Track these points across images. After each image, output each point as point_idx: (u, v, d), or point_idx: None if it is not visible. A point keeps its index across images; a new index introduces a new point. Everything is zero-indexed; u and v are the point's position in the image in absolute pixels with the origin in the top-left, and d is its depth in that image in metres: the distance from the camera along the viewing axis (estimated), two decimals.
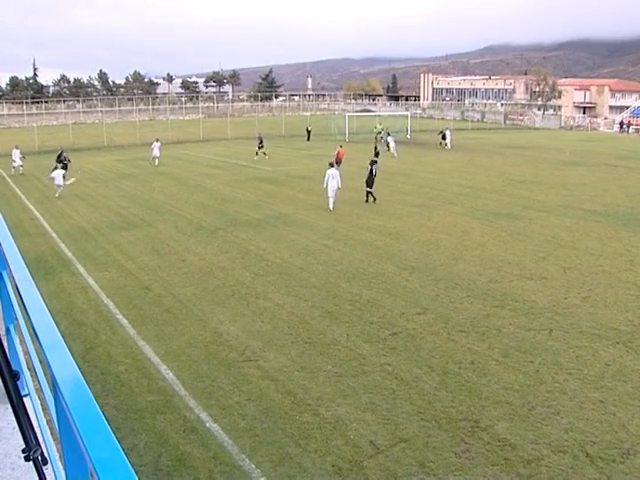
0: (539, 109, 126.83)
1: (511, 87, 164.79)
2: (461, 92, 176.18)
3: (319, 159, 51.43)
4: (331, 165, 30.51)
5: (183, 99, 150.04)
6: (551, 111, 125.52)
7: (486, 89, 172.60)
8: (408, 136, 71.70)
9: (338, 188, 29.56)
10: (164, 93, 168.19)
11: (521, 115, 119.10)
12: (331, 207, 29.68)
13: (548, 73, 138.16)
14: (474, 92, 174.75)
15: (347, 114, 78.30)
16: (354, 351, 13.80)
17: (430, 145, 63.63)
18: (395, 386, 12.19)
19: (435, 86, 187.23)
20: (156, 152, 47.63)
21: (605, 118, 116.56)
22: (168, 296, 17.54)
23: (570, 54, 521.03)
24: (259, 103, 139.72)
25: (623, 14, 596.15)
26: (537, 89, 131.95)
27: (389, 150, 54.12)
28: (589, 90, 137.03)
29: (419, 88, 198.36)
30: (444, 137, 62.56)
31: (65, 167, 38.54)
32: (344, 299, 17.18)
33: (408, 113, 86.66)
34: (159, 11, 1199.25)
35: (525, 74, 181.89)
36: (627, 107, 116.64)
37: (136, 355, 13.69)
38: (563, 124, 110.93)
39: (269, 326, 15.29)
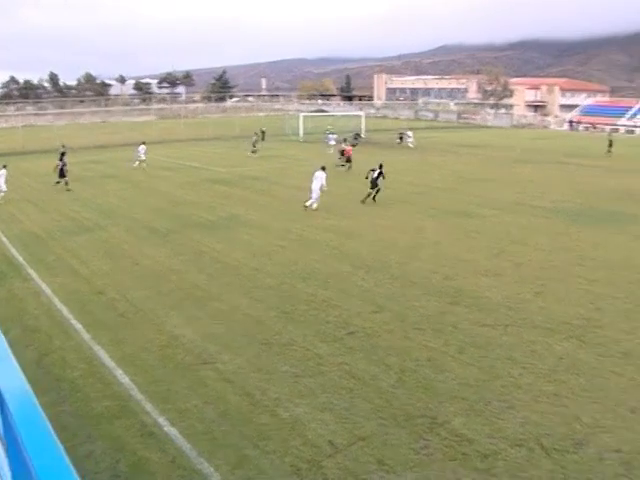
0: (491, 108, 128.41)
1: (464, 86, 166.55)
2: (414, 92, 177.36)
3: (273, 160, 51.45)
4: (322, 168, 30.86)
5: (136, 100, 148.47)
6: (503, 110, 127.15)
7: (439, 88, 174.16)
8: (362, 136, 71.97)
9: (321, 190, 29.99)
10: (116, 95, 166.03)
11: (474, 114, 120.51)
12: (307, 204, 29.91)
13: (500, 72, 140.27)
14: (427, 92, 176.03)
15: (301, 114, 78.25)
16: (311, 351, 13.83)
17: (384, 144, 64.02)
18: (352, 385, 12.24)
19: (389, 86, 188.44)
20: (142, 155, 47.10)
21: (555, 116, 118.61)
22: (122, 300, 17.35)
23: (521, 54, 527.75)
24: (213, 104, 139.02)
25: (572, 15, 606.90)
26: (489, 88, 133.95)
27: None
28: (540, 89, 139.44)
29: (372, 88, 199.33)
30: (401, 138, 64.52)
31: (62, 172, 37.60)
32: (300, 299, 17.21)
33: (362, 113, 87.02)
34: (110, 11, 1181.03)
35: (477, 73, 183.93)
36: (576, 106, 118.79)
37: (91, 360, 13.52)
38: (515, 122, 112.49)
39: (225, 328, 15.22)
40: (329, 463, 9.75)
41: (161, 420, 10.97)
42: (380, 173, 32.16)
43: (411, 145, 63.02)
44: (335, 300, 17.15)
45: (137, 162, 47.21)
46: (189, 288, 18.36)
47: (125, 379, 12.53)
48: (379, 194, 32.13)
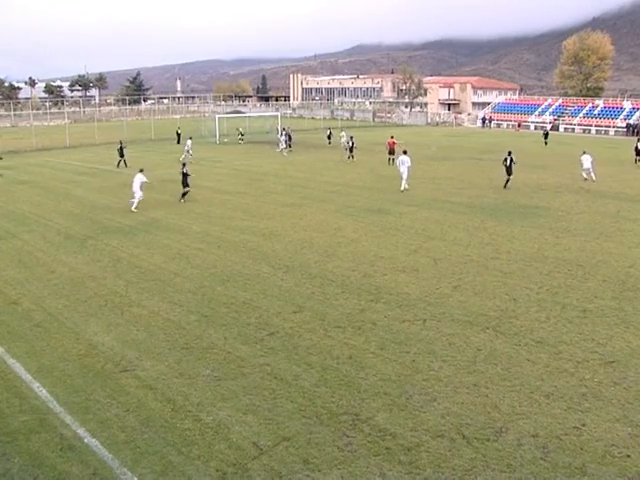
0: (406, 106, 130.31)
1: (379, 86, 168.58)
2: (330, 91, 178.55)
3: (189, 162, 50.84)
4: (404, 152, 35.81)
5: (47, 104, 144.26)
6: (418, 108, 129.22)
7: (354, 88, 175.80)
8: (279, 136, 71.93)
9: (408, 168, 35.21)
10: (27, 98, 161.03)
11: (389, 112, 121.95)
12: (402, 188, 35.08)
13: (414, 72, 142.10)
14: (343, 91, 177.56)
15: (217, 116, 77.73)
16: (232, 354, 13.78)
17: (300, 144, 64.05)
18: (275, 386, 12.26)
19: (305, 86, 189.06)
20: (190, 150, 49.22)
21: (469, 114, 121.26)
22: (38, 310, 16.89)
23: (434, 53, 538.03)
24: (127, 107, 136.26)
25: (484, 16, 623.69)
26: (404, 87, 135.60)
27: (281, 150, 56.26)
28: (453, 87, 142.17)
29: (289, 88, 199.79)
30: (329, 137, 65.27)
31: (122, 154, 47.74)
32: (220, 302, 17.13)
33: (278, 113, 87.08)
34: (18, 11, 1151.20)
35: (392, 73, 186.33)
36: (488, 103, 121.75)
37: (6, 374, 13.11)
38: (430, 120, 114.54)
39: (145, 334, 15.02)
40: (255, 465, 9.74)
41: (81, 432, 10.74)
42: (511, 160, 35.84)
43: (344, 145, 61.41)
44: (255, 301, 17.14)
45: (189, 155, 49.73)
46: (107, 295, 18.03)
47: (43, 391, 12.22)
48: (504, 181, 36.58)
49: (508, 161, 35.82)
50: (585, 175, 39.18)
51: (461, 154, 56.16)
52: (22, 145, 65.29)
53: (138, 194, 30.61)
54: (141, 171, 31.24)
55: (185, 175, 32.12)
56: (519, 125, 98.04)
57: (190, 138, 50.86)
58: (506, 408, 11.32)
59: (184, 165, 32.67)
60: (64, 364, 13.50)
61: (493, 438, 10.38)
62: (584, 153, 39.93)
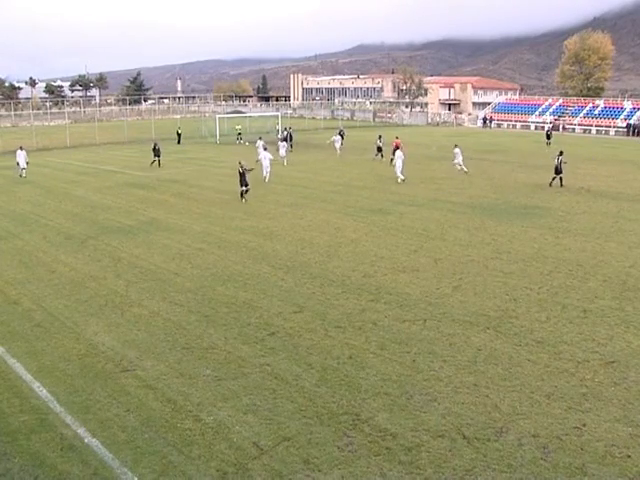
0: (407, 106, 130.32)
1: (379, 86, 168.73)
2: (331, 91, 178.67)
3: (190, 162, 50.96)
4: (396, 148, 41.64)
5: (48, 104, 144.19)
6: (418, 108, 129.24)
7: (355, 88, 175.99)
8: (279, 136, 71.94)
9: (402, 161, 39.05)
10: (27, 98, 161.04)
11: (389, 113, 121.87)
12: (399, 180, 38.40)
13: (414, 72, 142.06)
14: (343, 91, 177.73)
15: (217, 116, 77.71)
16: (233, 353, 13.77)
17: (301, 145, 64.03)
18: (275, 386, 12.25)
19: (305, 86, 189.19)
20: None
21: (469, 114, 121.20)
22: (38, 310, 16.88)
23: (435, 53, 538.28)
24: (128, 107, 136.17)
25: (484, 16, 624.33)
26: (404, 87, 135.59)
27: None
28: (453, 87, 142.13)
29: (289, 88, 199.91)
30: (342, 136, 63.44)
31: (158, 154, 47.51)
32: (220, 302, 17.12)
33: (279, 113, 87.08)
34: (18, 11, 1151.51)
35: (392, 73, 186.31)
36: (489, 103, 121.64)
37: (6, 374, 13.10)
38: (430, 120, 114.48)
39: (145, 334, 15.02)
40: (255, 465, 9.73)
41: (82, 431, 10.73)
42: (561, 160, 36.78)
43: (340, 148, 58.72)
44: (255, 301, 17.13)
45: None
46: (108, 294, 18.02)
47: (43, 391, 12.21)
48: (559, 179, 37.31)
49: (557, 160, 36.60)
50: (458, 167, 42.70)
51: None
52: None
53: (269, 169, 38.32)
54: (265, 149, 39.37)
55: (242, 174, 31.78)
56: (490, 120, 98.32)
57: (260, 138, 49.26)
58: (506, 408, 11.30)
59: (241, 164, 32.04)
60: (64, 364, 13.49)
61: (494, 438, 10.37)
62: (455, 146, 43.67)
